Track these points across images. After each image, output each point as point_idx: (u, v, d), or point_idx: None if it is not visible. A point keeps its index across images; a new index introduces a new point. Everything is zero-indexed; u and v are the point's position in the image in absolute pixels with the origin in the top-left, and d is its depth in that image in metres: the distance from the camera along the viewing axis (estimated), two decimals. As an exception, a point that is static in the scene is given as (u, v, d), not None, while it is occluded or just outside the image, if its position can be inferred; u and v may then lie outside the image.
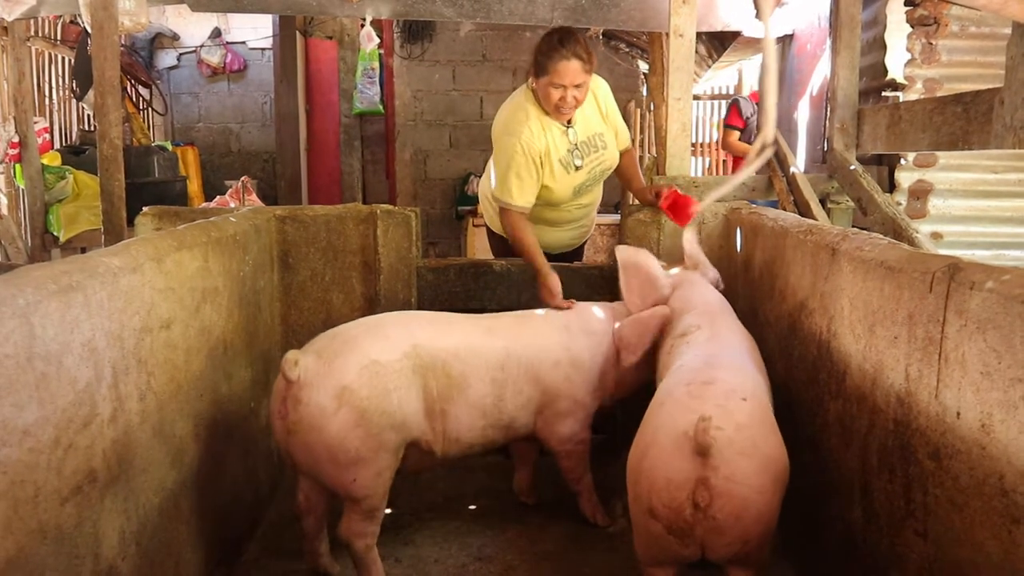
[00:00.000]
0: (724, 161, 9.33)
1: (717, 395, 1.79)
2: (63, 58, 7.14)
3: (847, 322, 1.90)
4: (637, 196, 3.15)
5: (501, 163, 2.88)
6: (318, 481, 2.18)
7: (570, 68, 2.72)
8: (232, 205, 6.13)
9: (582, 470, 2.60)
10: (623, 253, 2.58)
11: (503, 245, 3.23)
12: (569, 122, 2.90)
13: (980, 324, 1.34)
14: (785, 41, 5.83)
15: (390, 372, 2.12)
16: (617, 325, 2.54)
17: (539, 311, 2.63)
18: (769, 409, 1.89)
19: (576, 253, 3.36)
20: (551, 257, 3.01)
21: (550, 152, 2.86)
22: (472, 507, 2.77)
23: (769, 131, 1.71)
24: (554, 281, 2.76)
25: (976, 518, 1.36)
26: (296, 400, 2.04)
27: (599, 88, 2.99)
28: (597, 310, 2.63)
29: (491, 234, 3.32)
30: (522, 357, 2.40)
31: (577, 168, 2.93)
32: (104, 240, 3.27)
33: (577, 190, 2.98)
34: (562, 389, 2.47)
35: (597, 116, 2.99)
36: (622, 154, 3.11)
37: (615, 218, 5.71)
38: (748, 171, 2.24)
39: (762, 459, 1.69)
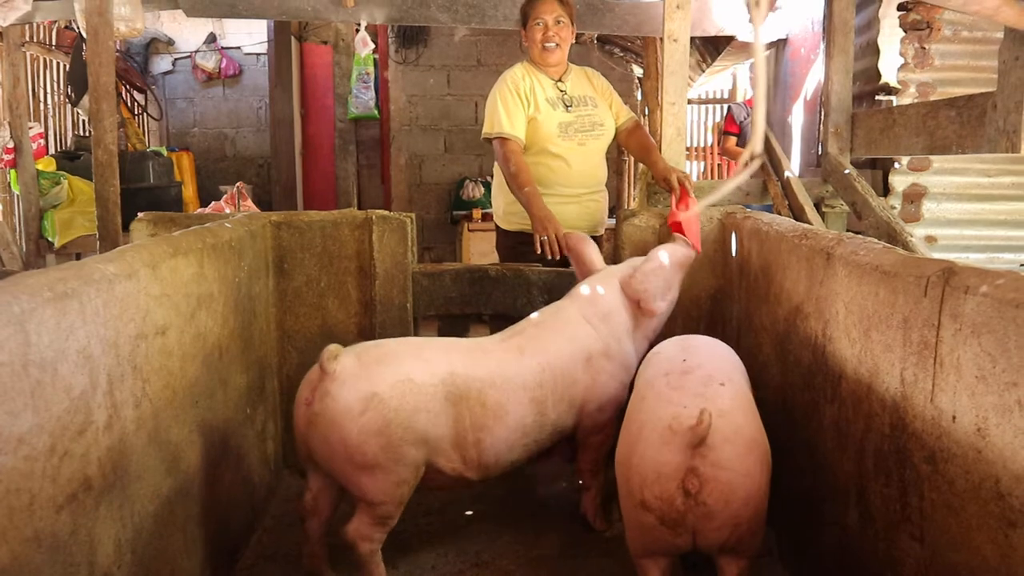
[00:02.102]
0: (719, 165, 9.37)
1: (696, 384, 1.88)
2: (58, 63, 7.14)
3: (842, 326, 1.90)
4: (654, 174, 3.15)
5: (489, 106, 3.15)
6: (331, 477, 2.18)
7: (546, 4, 3.11)
8: (227, 211, 6.12)
9: (602, 464, 2.58)
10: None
11: (510, 244, 3.28)
12: (560, 80, 3.19)
13: (975, 328, 1.34)
14: (779, 45, 5.85)
15: (422, 393, 2.13)
16: (631, 279, 2.55)
17: (555, 310, 2.59)
18: (748, 392, 1.96)
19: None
20: None
21: (535, 90, 3.14)
22: (468, 512, 2.77)
23: (757, 142, 1.72)
24: (548, 216, 2.90)
25: (972, 522, 1.36)
26: (325, 392, 2.06)
27: (593, 73, 3.33)
28: (603, 289, 2.59)
29: (499, 232, 3.39)
30: (556, 367, 2.39)
31: (567, 108, 3.16)
32: (99, 246, 3.27)
33: (564, 129, 3.13)
34: (598, 381, 2.46)
35: (588, 86, 3.27)
36: (631, 129, 3.29)
37: (610, 222, 5.73)
38: (735, 181, 2.28)
39: (746, 443, 1.76)
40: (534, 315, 2.58)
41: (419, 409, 2.11)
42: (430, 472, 2.21)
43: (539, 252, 2.88)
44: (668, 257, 2.59)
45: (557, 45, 3.12)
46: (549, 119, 3.12)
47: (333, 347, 2.09)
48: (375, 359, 2.13)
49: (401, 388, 2.09)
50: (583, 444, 2.53)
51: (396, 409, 2.07)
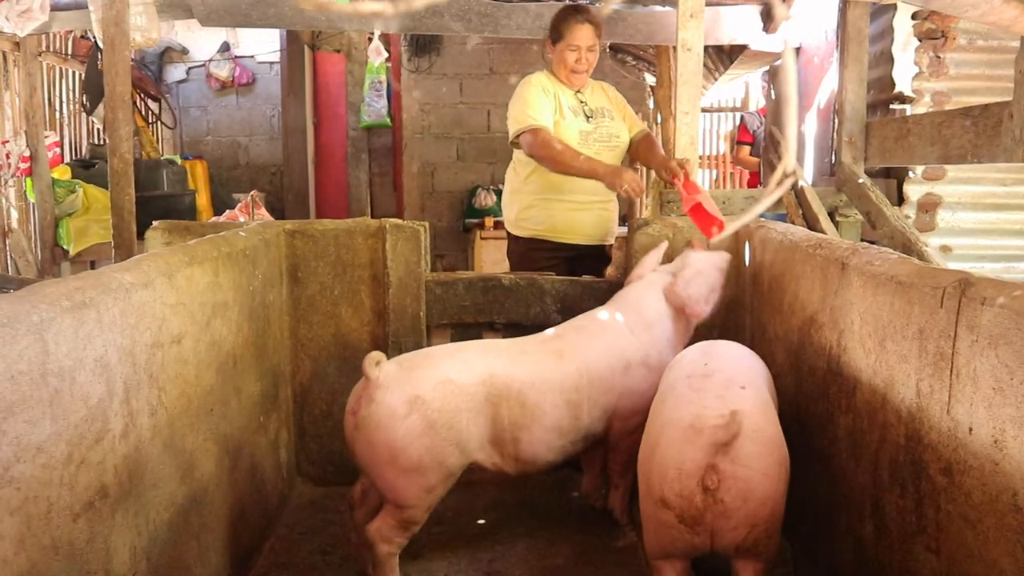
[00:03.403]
0: (731, 173, 9.34)
1: (717, 385, 1.92)
2: (74, 72, 7.20)
3: (857, 337, 1.90)
4: (657, 171, 3.22)
5: (515, 106, 3.20)
6: (372, 481, 2.22)
7: (584, 31, 3.18)
8: (242, 219, 6.16)
9: (630, 464, 2.57)
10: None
11: (521, 250, 3.35)
12: (580, 92, 3.29)
13: (992, 340, 1.34)
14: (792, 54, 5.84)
15: (463, 393, 2.18)
16: (674, 287, 2.56)
17: (597, 316, 2.60)
18: (768, 397, 1.99)
19: (599, 256, 3.37)
20: (573, 249, 3.26)
21: (559, 96, 3.22)
22: (481, 521, 2.77)
23: (790, 160, 1.72)
24: (616, 169, 3.04)
25: (989, 534, 1.35)
26: (370, 398, 2.11)
27: (608, 87, 3.44)
28: (647, 295, 2.61)
29: (511, 238, 3.44)
30: (594, 373, 2.41)
31: (587, 119, 3.25)
32: (114, 254, 3.29)
33: (584, 137, 3.22)
34: (635, 389, 2.47)
35: (605, 98, 3.37)
36: (640, 140, 3.36)
37: (622, 230, 5.71)
38: (769, 200, 2.27)
39: (765, 443, 1.79)
40: (576, 319, 2.62)
41: (461, 409, 2.17)
42: (470, 466, 2.27)
43: (624, 196, 3.03)
44: (704, 260, 2.61)
45: (586, 71, 3.25)
46: (571, 126, 3.20)
47: (375, 354, 2.14)
48: (416, 364, 2.21)
49: (443, 389, 2.15)
50: (615, 447, 2.55)
51: (439, 410, 2.13)
